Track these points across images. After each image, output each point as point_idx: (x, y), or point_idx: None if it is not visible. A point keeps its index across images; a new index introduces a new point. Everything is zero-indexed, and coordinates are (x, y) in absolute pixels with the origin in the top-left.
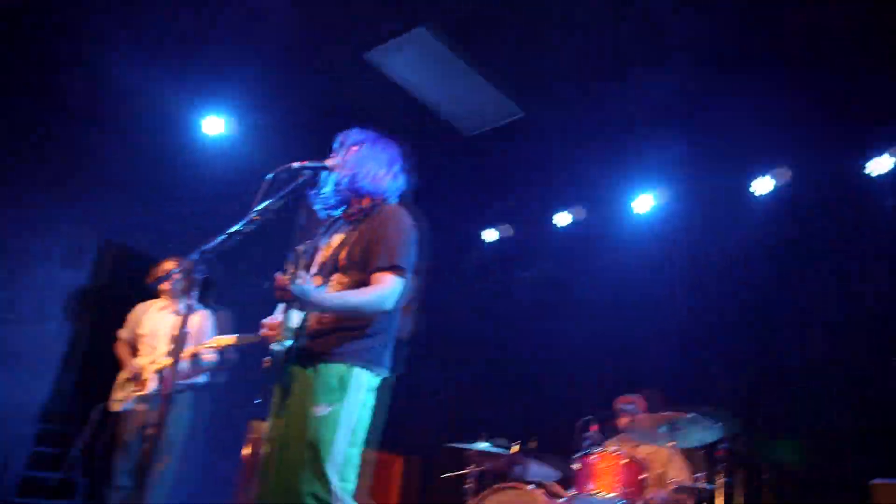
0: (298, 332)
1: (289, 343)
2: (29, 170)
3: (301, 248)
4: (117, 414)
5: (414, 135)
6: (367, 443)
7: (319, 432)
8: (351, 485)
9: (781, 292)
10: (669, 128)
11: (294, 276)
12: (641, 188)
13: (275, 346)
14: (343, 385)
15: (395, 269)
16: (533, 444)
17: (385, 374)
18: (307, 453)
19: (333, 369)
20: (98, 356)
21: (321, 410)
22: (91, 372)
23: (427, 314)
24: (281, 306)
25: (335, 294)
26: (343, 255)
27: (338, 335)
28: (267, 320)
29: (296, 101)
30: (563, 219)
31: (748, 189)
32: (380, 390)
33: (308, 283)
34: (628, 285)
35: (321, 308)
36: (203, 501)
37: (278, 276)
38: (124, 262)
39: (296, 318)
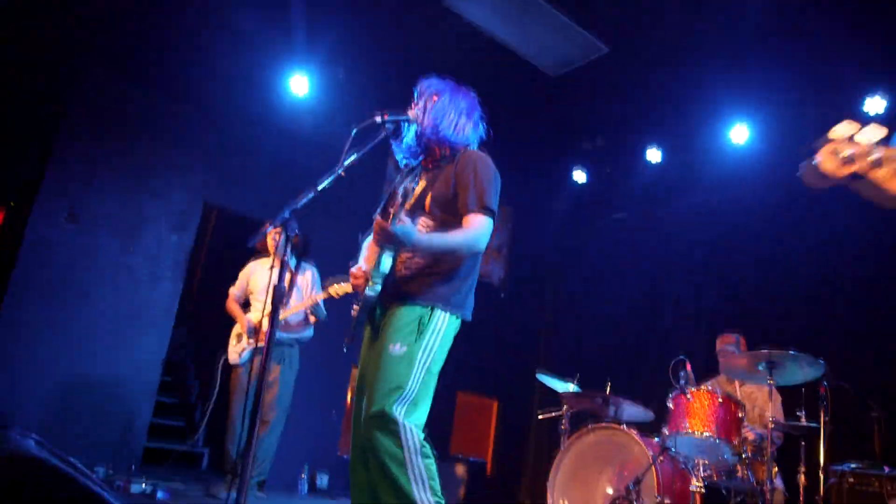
0: (387, 277)
1: (379, 288)
2: (135, 143)
3: (397, 191)
4: (235, 366)
5: (499, 80)
6: (463, 386)
7: (394, 369)
8: (422, 420)
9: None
10: (764, 52)
11: (395, 218)
12: (737, 117)
13: (368, 292)
14: (422, 326)
15: (485, 210)
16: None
17: (467, 316)
18: (378, 387)
19: (414, 310)
20: (206, 313)
21: (397, 349)
22: (202, 327)
23: (520, 258)
24: (365, 254)
25: (433, 234)
26: (428, 199)
27: (424, 279)
28: (354, 269)
29: (378, 54)
30: (654, 155)
31: (860, 110)
32: (463, 332)
33: (409, 224)
34: (726, 221)
35: (421, 248)
36: (312, 448)
37: (378, 218)
38: (224, 223)
39: (387, 262)
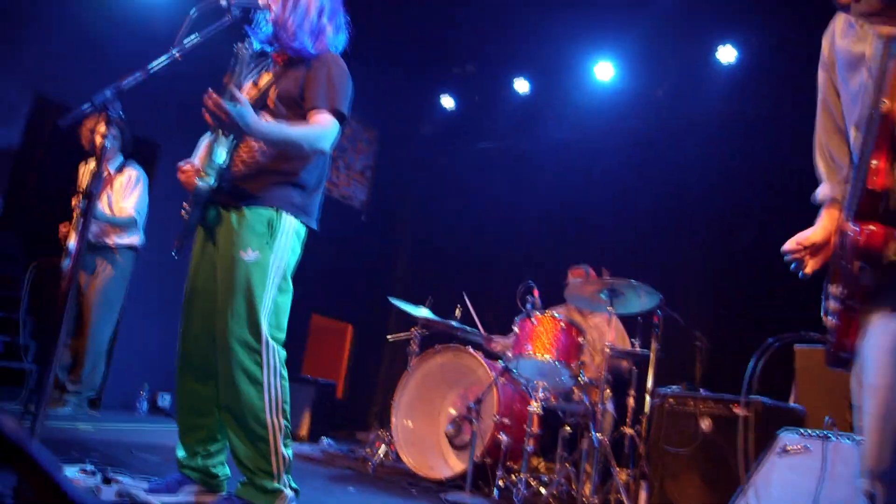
0: (223, 173)
1: (212, 182)
2: None
3: (234, 74)
4: (60, 270)
5: None
6: (319, 308)
7: (249, 277)
8: (282, 333)
9: (742, 168)
10: None
11: (231, 98)
12: (602, 54)
13: (199, 182)
14: (272, 230)
15: (334, 112)
16: (457, 311)
17: (313, 225)
18: (236, 299)
19: (261, 213)
20: (41, 219)
21: (250, 255)
22: (36, 234)
23: (381, 177)
24: (199, 153)
25: (272, 123)
26: (273, 93)
27: (266, 178)
28: (182, 163)
29: None
30: (522, 86)
31: (713, 57)
32: (322, 253)
33: (246, 105)
34: (586, 157)
35: (257, 134)
36: (152, 367)
37: (212, 94)
38: (57, 118)
39: (222, 154)
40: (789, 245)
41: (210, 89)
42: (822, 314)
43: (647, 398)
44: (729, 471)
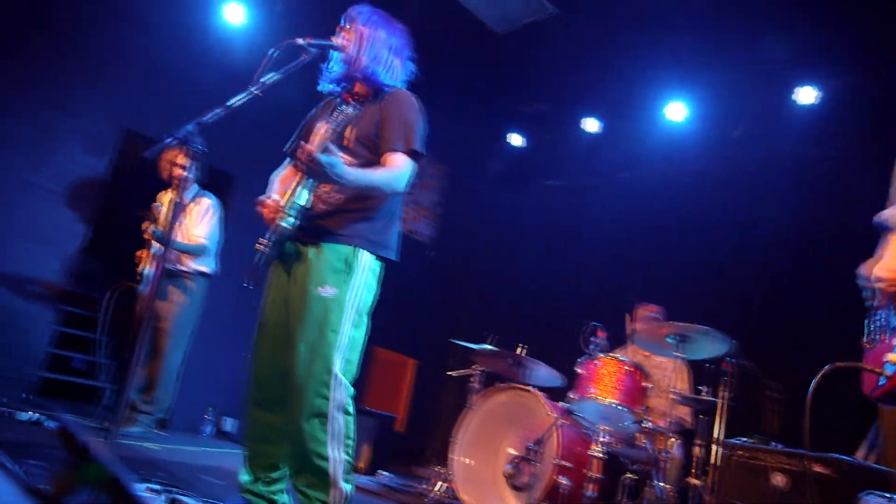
0: (303, 212)
1: (293, 221)
2: (53, 55)
3: (315, 124)
4: (136, 294)
5: (443, 30)
6: (383, 341)
7: (325, 313)
8: (353, 368)
9: (820, 211)
10: (705, 31)
11: (325, 150)
12: (675, 94)
13: (282, 223)
14: (349, 266)
15: (411, 153)
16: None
17: (391, 255)
18: (310, 333)
19: (339, 250)
20: (118, 241)
21: (327, 292)
22: (119, 260)
23: (448, 213)
24: (275, 186)
25: (356, 169)
26: (351, 135)
27: (344, 216)
28: (263, 198)
29: None
30: (592, 125)
31: (790, 98)
32: (388, 287)
33: (337, 155)
34: (655, 197)
35: (345, 182)
36: (219, 391)
37: (304, 146)
38: (143, 150)
39: (304, 195)
40: (867, 273)
41: (303, 144)
42: (865, 341)
43: (715, 448)
44: None
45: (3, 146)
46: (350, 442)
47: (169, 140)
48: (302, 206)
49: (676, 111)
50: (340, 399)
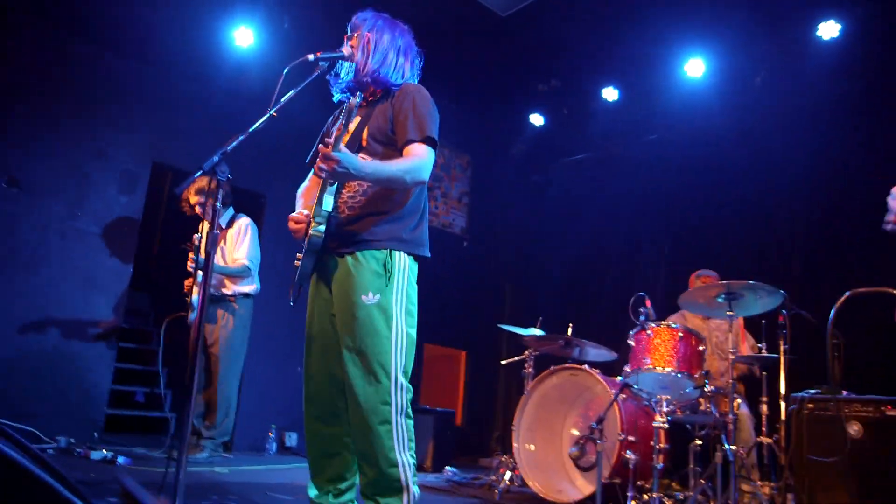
0: (331, 219)
1: (323, 228)
2: (78, 102)
3: (331, 130)
4: (186, 323)
5: (447, 22)
6: (430, 338)
7: (374, 320)
8: (410, 365)
9: (854, 152)
10: None
11: (336, 146)
12: (691, 51)
13: (312, 232)
14: (388, 271)
15: (427, 140)
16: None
17: (425, 253)
18: (362, 342)
19: (375, 255)
20: (168, 277)
21: (371, 299)
22: (164, 292)
23: (478, 202)
24: (301, 201)
25: (375, 162)
26: (365, 133)
27: (371, 219)
28: (293, 214)
29: (324, 3)
30: (611, 94)
31: (813, 34)
32: (429, 283)
33: (349, 152)
34: (683, 156)
35: (365, 176)
36: (278, 407)
37: (320, 146)
38: (169, 182)
39: (329, 200)
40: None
41: (320, 146)
42: None
43: (782, 404)
44: (888, 479)
45: (41, 195)
46: (413, 445)
47: (197, 174)
48: (328, 212)
49: (695, 67)
50: (402, 403)
